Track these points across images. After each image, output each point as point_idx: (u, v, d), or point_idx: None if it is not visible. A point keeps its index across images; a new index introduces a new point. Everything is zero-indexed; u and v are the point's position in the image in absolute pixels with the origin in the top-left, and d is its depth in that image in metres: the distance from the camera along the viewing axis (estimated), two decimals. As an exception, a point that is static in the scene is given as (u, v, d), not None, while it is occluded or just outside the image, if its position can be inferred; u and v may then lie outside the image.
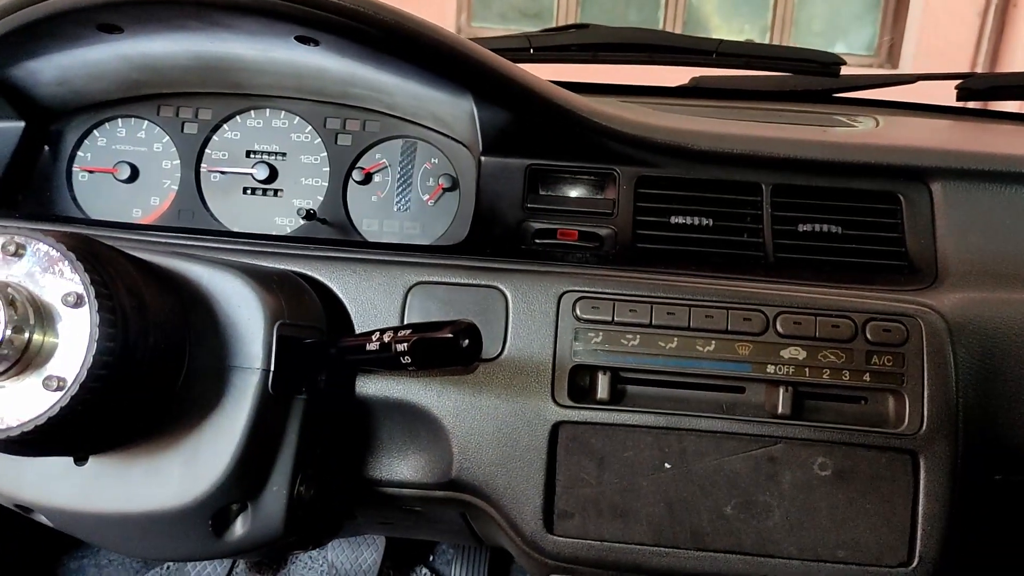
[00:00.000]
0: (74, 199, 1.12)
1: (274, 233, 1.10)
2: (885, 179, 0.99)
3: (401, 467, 0.89)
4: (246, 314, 0.75)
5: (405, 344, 0.69)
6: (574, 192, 1.02)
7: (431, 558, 1.87)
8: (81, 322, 0.62)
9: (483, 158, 1.02)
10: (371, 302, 0.88)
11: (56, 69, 1.02)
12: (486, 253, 0.93)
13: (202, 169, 1.12)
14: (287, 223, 1.11)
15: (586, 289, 0.87)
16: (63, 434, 0.64)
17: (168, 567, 1.83)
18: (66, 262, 0.63)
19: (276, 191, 1.12)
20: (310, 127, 1.12)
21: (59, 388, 0.62)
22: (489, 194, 1.01)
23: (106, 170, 1.12)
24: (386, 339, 0.71)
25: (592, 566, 0.86)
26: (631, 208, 0.99)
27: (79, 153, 1.13)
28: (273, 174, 1.11)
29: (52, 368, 0.62)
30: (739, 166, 1.00)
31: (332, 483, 0.88)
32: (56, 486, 0.73)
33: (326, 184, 1.11)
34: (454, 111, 1.01)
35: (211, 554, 0.78)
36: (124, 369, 0.64)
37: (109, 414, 0.66)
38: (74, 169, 1.12)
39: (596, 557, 0.85)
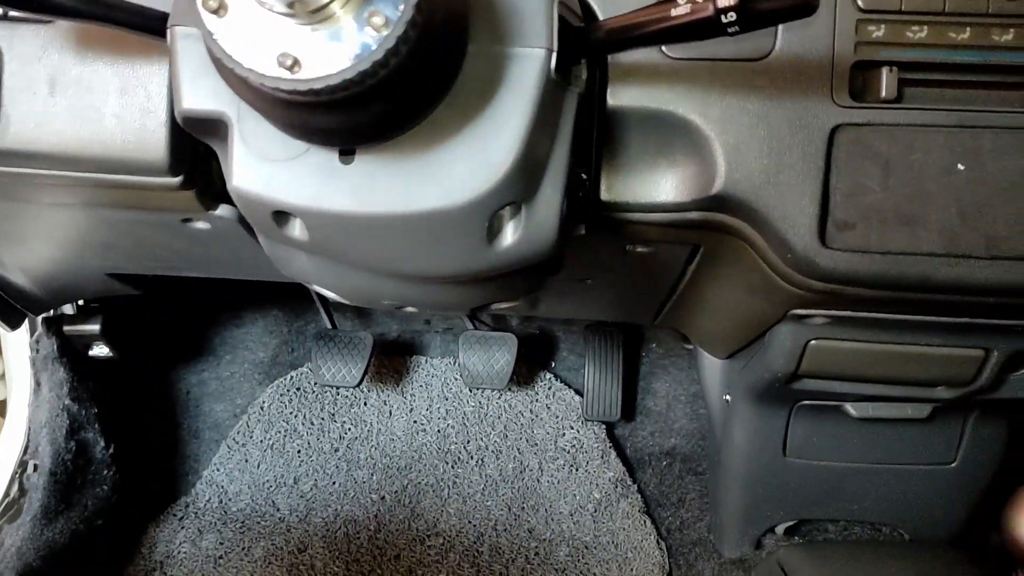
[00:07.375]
0: None
1: None
2: None
3: (651, 187, 0.81)
4: None
5: None
6: None
7: (553, 364, 1.85)
8: None
9: None
10: None
11: None
12: None
13: None
14: None
15: None
16: (372, 90, 0.56)
17: (290, 377, 1.81)
18: None
19: None
20: None
21: (385, 26, 0.53)
22: None
23: None
24: None
25: (869, 283, 0.80)
26: None
27: None
28: None
29: (374, 4, 0.53)
30: None
31: (580, 204, 0.80)
32: (325, 187, 0.65)
33: None
34: None
35: (482, 263, 0.71)
36: (433, 20, 0.56)
37: (417, 74, 0.58)
38: None
39: (878, 271, 0.79)
